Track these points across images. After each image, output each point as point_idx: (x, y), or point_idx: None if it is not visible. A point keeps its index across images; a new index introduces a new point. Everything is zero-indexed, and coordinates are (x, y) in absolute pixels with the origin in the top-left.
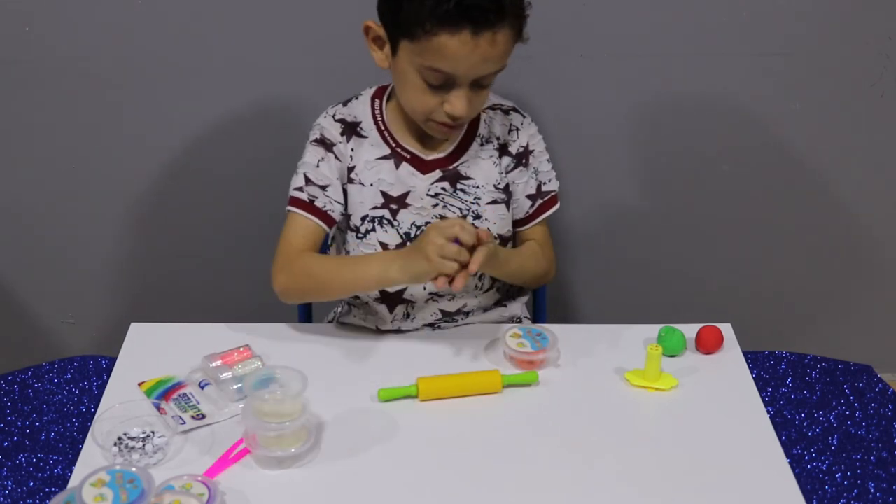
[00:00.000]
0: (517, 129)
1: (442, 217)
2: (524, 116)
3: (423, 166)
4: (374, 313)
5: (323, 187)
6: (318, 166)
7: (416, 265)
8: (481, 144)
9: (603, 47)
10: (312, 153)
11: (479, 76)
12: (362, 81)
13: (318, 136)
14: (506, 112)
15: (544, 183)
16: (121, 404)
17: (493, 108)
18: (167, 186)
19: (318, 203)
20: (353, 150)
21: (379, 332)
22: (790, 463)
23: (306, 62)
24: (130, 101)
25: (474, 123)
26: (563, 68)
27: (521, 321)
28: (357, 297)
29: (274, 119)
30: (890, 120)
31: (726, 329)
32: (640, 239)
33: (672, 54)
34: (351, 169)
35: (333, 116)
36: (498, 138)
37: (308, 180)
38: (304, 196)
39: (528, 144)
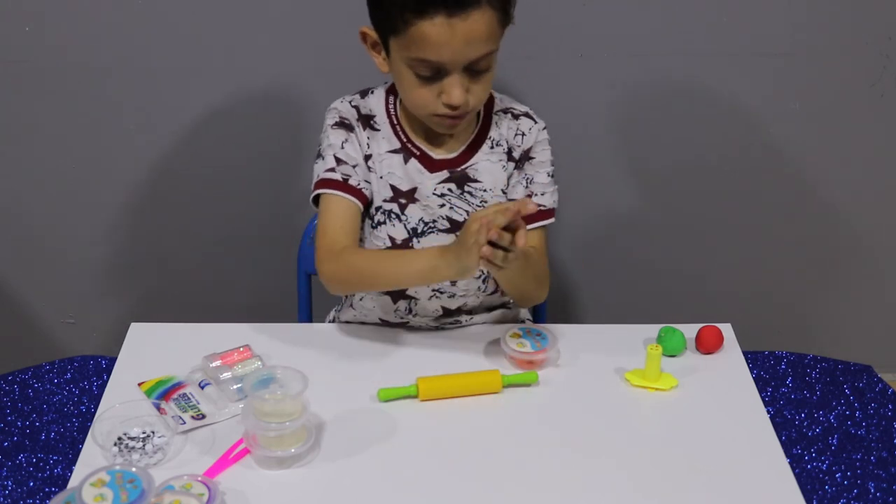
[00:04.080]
0: (523, 135)
1: (448, 218)
2: (535, 122)
3: (430, 165)
4: (374, 307)
5: (353, 166)
6: (343, 147)
7: (461, 259)
8: (491, 147)
9: (603, 47)
10: (336, 135)
11: (468, 61)
12: (366, 83)
13: (337, 119)
14: (515, 116)
15: (536, 195)
16: (121, 404)
17: (504, 111)
18: (167, 186)
19: (352, 181)
20: (368, 138)
21: (381, 325)
22: (790, 463)
23: (309, 63)
24: (130, 102)
25: (485, 126)
26: (563, 68)
27: (523, 322)
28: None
29: (275, 119)
30: (890, 120)
31: (726, 329)
32: (640, 239)
33: (672, 54)
34: (368, 157)
35: (350, 102)
36: (507, 141)
37: (338, 160)
38: (337, 176)
39: (529, 150)
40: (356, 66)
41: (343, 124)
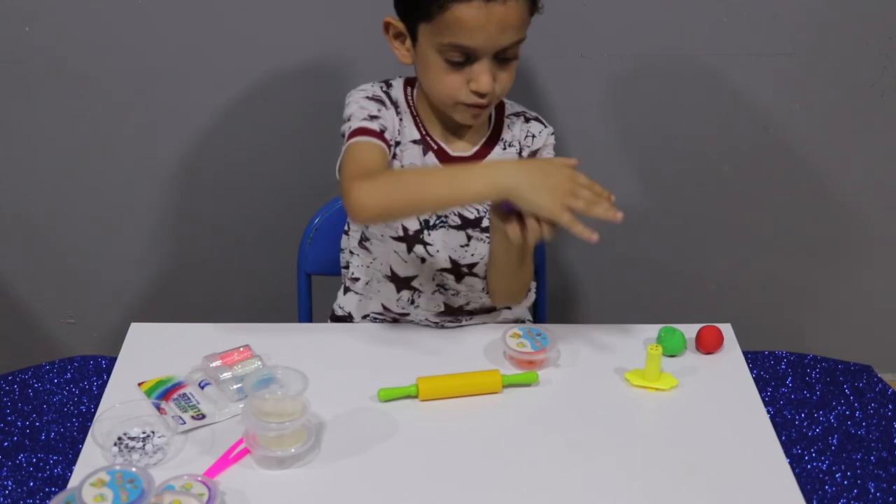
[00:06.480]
0: (533, 136)
1: (459, 214)
2: (545, 126)
3: (447, 160)
4: (379, 291)
5: (387, 130)
6: (378, 113)
7: (538, 195)
8: (504, 149)
9: (603, 47)
10: (370, 105)
11: (499, 48)
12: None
13: (369, 94)
14: (527, 120)
15: None
16: (121, 404)
17: (516, 114)
18: (167, 186)
19: (387, 135)
20: (400, 121)
21: (381, 320)
22: (790, 463)
23: (310, 64)
24: (130, 102)
25: (498, 128)
26: (563, 68)
27: (523, 322)
28: (358, 279)
29: (275, 120)
30: (890, 120)
31: (726, 329)
32: (640, 239)
33: (672, 54)
34: (397, 143)
35: (380, 87)
36: (518, 143)
37: (373, 117)
38: (375, 126)
39: (537, 152)
40: (359, 67)
41: (376, 99)
